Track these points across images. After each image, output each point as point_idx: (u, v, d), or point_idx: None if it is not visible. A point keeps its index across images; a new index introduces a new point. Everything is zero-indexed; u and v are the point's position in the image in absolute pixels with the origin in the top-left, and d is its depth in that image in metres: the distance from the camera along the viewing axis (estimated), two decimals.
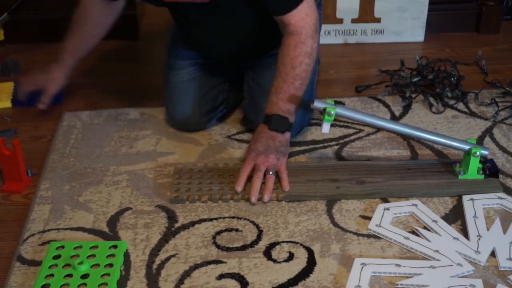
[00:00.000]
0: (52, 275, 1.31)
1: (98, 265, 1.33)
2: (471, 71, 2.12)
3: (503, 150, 1.71)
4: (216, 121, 1.83)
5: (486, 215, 1.47)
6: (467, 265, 1.33)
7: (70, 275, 1.31)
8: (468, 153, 1.55)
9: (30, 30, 2.33)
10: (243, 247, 1.40)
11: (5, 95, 1.98)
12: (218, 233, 1.44)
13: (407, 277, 1.30)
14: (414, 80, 1.98)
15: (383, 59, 2.23)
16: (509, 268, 1.33)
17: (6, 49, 2.27)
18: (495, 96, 1.94)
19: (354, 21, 2.32)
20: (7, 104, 1.96)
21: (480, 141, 1.73)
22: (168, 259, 1.37)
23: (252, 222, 1.47)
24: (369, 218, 1.46)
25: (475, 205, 1.49)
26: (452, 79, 2.00)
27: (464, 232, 1.43)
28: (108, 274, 1.31)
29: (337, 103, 1.53)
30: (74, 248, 1.37)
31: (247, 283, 1.30)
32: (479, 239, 1.40)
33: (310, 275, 1.32)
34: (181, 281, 1.31)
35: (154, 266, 1.35)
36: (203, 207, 1.51)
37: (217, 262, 1.36)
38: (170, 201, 1.53)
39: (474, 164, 1.56)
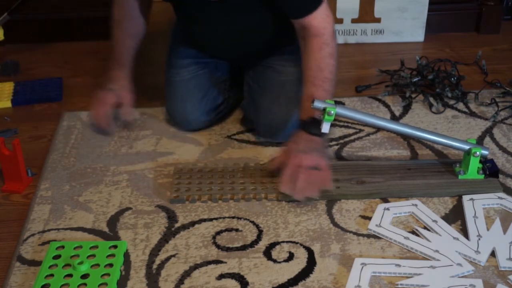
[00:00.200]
0: (52, 275, 1.31)
1: (98, 265, 1.33)
2: (471, 71, 2.12)
3: (503, 150, 1.71)
4: (216, 121, 1.83)
5: (486, 215, 1.47)
6: (467, 265, 1.33)
7: (70, 275, 1.31)
8: (468, 153, 1.55)
9: (30, 30, 2.33)
10: (243, 247, 1.40)
11: (5, 95, 1.98)
12: (218, 233, 1.44)
13: (407, 277, 1.30)
14: (414, 80, 1.98)
15: (383, 59, 2.23)
16: (509, 268, 1.33)
17: (6, 49, 2.26)
18: (495, 96, 1.94)
19: (354, 21, 2.31)
20: (7, 104, 1.96)
21: (480, 141, 1.73)
22: (168, 259, 1.37)
23: (252, 222, 1.46)
24: (369, 218, 1.46)
25: (475, 205, 1.49)
26: (452, 79, 1.99)
27: (464, 232, 1.43)
28: (108, 274, 1.31)
29: (337, 103, 1.52)
30: (74, 248, 1.37)
31: (247, 283, 1.30)
32: (479, 239, 1.40)
33: (310, 275, 1.32)
34: (181, 281, 1.31)
35: (154, 266, 1.35)
36: (203, 207, 1.51)
37: (217, 262, 1.36)
38: (170, 201, 1.53)
39: (474, 164, 1.56)
